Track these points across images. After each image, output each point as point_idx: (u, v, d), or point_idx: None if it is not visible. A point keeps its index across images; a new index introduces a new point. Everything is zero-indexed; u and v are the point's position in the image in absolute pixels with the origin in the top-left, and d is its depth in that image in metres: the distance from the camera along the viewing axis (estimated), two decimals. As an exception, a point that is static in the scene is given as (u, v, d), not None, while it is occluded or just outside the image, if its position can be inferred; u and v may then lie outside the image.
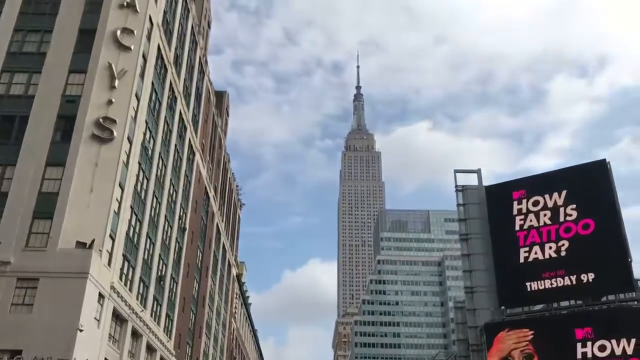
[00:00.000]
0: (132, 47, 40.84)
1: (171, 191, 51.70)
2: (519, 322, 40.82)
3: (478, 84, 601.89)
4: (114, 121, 38.14)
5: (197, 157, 61.94)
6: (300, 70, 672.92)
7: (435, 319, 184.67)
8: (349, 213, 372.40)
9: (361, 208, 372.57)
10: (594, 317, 38.88)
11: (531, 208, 44.07)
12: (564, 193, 43.24)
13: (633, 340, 36.19)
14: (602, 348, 36.72)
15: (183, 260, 56.12)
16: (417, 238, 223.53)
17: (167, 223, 50.57)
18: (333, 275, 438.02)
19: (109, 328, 37.22)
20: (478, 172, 49.17)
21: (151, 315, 46.28)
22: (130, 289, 41.28)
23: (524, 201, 44.52)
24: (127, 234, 40.34)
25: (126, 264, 40.57)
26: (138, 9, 41.88)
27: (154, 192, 46.11)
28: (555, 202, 43.30)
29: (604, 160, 44.06)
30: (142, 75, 42.42)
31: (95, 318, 34.68)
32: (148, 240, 45.22)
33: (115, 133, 37.99)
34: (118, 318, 39.35)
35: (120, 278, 39.10)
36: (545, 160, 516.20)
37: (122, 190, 38.81)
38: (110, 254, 37.14)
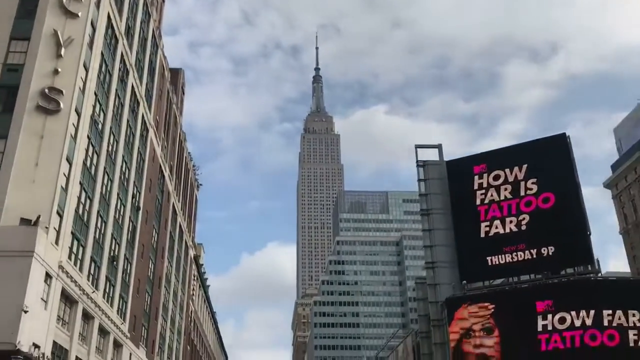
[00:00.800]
0: (79, 14, 38.99)
1: (124, 168, 49.64)
2: (480, 297, 40.65)
3: (435, 68, 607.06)
4: (60, 92, 36.24)
5: (151, 133, 59.76)
6: (258, 52, 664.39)
7: (393, 298, 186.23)
8: (308, 195, 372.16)
9: (320, 190, 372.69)
10: (554, 290, 39.01)
11: (492, 182, 43.86)
12: (524, 167, 43.15)
13: (592, 312, 36.42)
14: (562, 320, 36.84)
15: (137, 240, 54.24)
16: (376, 219, 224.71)
17: (119, 201, 48.61)
18: (292, 258, 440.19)
19: (57, 309, 35.36)
20: (439, 147, 48.91)
21: (103, 297, 44.50)
22: (81, 269, 39.42)
23: (485, 175, 44.27)
24: (77, 211, 38.42)
25: (75, 242, 38.67)
26: (86, -26, 39.61)
27: (104, 169, 44.11)
28: (516, 176, 43.17)
29: (564, 134, 44.17)
30: (90, 45, 40.31)
31: (42, 299, 32.77)
32: (99, 219, 43.31)
33: (62, 104, 36.10)
34: (67, 299, 37.52)
35: (70, 257, 37.21)
36: (499, 144, 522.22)
37: (70, 164, 36.82)
38: (58, 232, 35.20)
